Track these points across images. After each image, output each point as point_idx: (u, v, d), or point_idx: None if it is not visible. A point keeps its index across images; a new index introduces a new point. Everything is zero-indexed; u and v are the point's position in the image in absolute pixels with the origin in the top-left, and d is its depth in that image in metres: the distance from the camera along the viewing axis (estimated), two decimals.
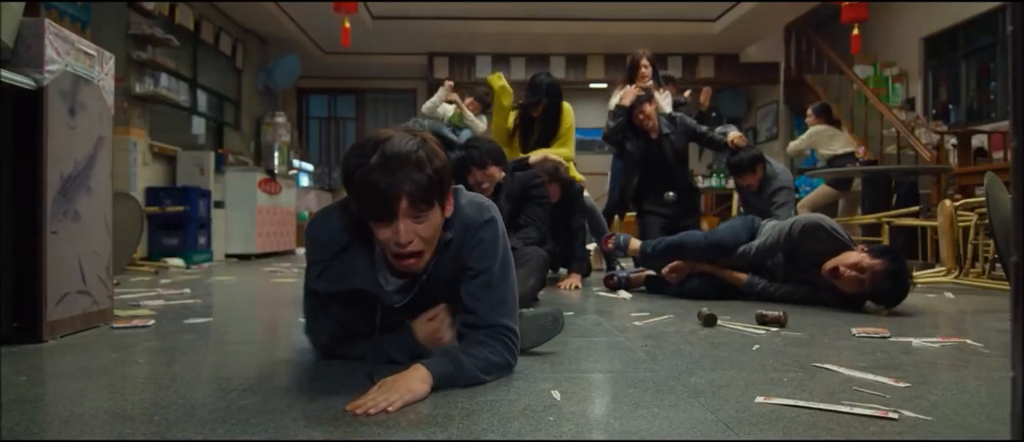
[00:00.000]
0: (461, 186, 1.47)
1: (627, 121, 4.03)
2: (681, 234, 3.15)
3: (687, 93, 5.12)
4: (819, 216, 2.75)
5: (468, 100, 4.74)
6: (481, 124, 4.69)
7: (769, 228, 2.92)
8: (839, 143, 5.76)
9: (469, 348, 1.38)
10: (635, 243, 3.24)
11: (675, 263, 3.05)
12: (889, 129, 6.80)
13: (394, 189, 1.20)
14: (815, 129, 5.82)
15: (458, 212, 1.41)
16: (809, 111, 6.03)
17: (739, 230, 2.98)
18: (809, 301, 2.74)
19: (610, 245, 3.39)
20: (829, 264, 2.57)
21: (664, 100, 4.38)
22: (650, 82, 4.36)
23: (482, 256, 1.41)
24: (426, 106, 4.62)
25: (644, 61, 4.40)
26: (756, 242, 2.89)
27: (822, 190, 5.48)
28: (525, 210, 3.16)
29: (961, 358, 1.69)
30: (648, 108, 3.97)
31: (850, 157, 5.73)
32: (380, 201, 1.21)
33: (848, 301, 2.60)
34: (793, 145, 6.07)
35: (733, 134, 4.04)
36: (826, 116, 5.91)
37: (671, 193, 3.94)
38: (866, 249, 2.57)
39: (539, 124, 4.02)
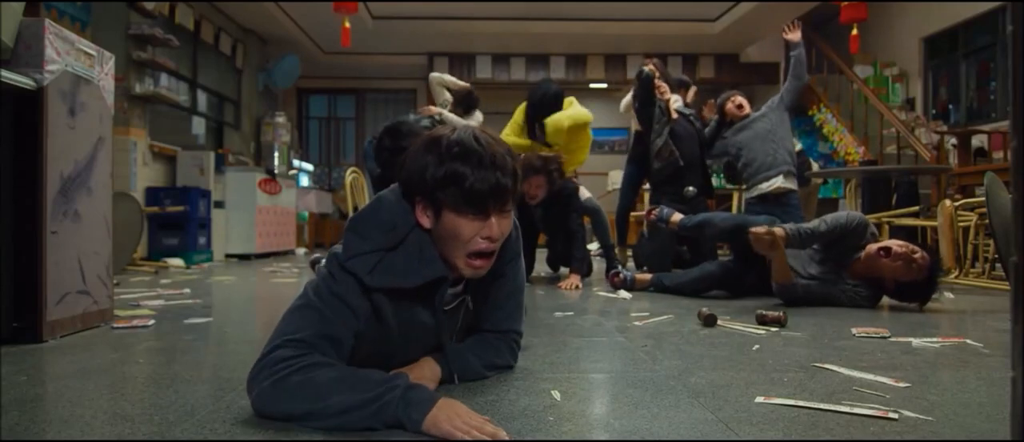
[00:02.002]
0: None
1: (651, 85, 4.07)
2: (710, 213, 3.36)
3: (691, 93, 5.08)
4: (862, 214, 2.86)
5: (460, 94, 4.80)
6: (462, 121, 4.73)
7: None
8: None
9: (478, 349, 1.41)
10: (676, 216, 3.42)
11: (755, 233, 2.82)
12: (889, 129, 6.80)
13: (503, 184, 1.17)
14: None
15: None
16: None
17: (733, 222, 3.12)
18: (830, 301, 2.74)
19: (654, 215, 3.51)
20: (877, 245, 2.64)
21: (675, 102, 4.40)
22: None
23: (511, 259, 1.40)
24: (434, 76, 4.78)
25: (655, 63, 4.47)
26: (805, 225, 2.82)
27: None
28: None
29: (961, 358, 1.69)
30: (662, 83, 4.07)
31: (801, 154, 5.65)
32: (490, 196, 1.16)
33: (874, 298, 2.69)
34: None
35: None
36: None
37: (691, 187, 3.93)
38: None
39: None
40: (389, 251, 1.21)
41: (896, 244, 2.62)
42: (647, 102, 4.06)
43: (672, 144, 3.96)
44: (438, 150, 1.16)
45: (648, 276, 3.37)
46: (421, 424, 1.02)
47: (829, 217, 2.84)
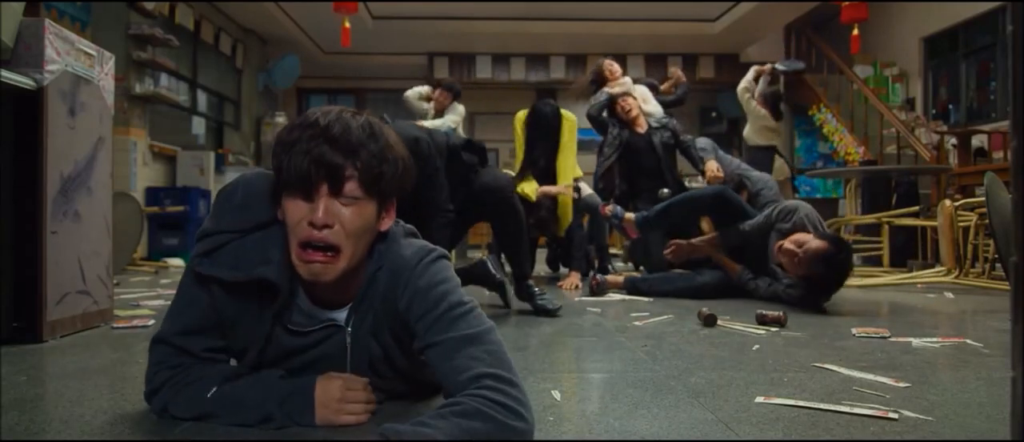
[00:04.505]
0: (412, 226, 1.18)
1: (610, 107, 4.11)
2: (665, 202, 3.34)
3: (664, 85, 5.07)
4: (800, 202, 2.81)
5: (437, 91, 4.85)
6: (448, 119, 4.78)
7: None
8: (763, 136, 5.47)
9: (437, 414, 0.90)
10: (629, 215, 3.39)
11: (674, 245, 3.13)
12: (889, 129, 6.80)
13: (329, 160, 0.95)
14: (758, 112, 5.47)
15: (391, 245, 1.09)
16: (757, 92, 5.54)
17: (712, 190, 3.20)
18: (776, 299, 2.72)
19: (608, 212, 3.46)
20: (780, 241, 2.62)
21: (648, 103, 4.39)
22: (626, 79, 4.38)
23: (425, 300, 1.03)
24: (408, 93, 4.97)
25: (607, 64, 4.46)
26: (750, 222, 2.93)
27: None
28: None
29: (961, 358, 1.69)
30: (628, 101, 4.03)
31: (769, 151, 5.45)
32: (312, 172, 0.95)
33: (803, 301, 2.59)
34: (740, 89, 5.59)
35: (711, 165, 3.95)
36: (771, 105, 5.50)
37: (665, 190, 3.93)
38: (820, 234, 2.61)
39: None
40: (242, 236, 1.06)
41: (789, 239, 2.54)
42: (600, 123, 4.17)
43: (615, 171, 4.05)
44: (288, 126, 1.02)
45: (620, 278, 3.27)
46: (315, 422, 1.04)
47: (764, 212, 2.88)
